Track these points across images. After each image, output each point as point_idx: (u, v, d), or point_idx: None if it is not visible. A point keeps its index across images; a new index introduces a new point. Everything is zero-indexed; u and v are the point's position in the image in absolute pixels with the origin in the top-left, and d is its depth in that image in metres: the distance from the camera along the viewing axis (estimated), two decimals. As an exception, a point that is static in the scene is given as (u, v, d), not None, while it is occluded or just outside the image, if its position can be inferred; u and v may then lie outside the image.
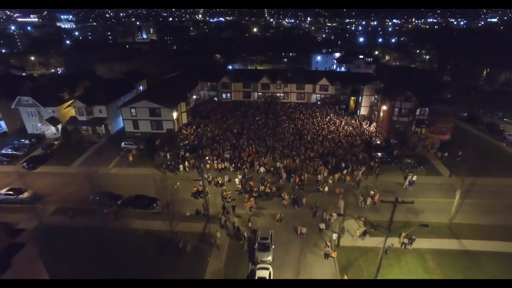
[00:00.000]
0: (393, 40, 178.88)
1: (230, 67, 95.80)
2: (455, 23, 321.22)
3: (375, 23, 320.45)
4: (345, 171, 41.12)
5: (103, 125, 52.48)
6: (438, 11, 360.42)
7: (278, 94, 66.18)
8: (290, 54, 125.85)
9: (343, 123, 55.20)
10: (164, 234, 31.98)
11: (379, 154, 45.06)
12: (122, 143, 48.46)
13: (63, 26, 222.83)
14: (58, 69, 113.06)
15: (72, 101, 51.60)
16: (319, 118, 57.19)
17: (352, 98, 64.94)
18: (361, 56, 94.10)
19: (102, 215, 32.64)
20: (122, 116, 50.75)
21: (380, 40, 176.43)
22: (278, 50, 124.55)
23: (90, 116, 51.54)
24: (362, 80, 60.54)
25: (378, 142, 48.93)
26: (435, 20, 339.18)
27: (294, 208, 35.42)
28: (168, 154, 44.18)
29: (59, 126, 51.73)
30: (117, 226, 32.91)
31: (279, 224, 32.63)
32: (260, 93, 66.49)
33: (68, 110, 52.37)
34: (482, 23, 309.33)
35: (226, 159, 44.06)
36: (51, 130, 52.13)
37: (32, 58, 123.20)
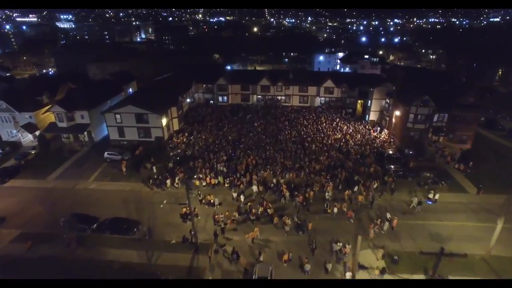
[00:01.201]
0: (396, 40, 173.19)
1: (228, 67, 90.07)
2: (457, 22, 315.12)
3: (376, 22, 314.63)
4: (356, 188, 35.43)
5: (85, 132, 46.84)
6: (440, 11, 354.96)
7: (279, 97, 60.41)
8: (291, 54, 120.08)
9: (350, 130, 49.41)
10: (144, 268, 26.50)
11: (392, 166, 39.38)
12: (105, 153, 42.88)
13: (62, 26, 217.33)
14: (50, 69, 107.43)
15: (50, 106, 45.92)
16: (324, 124, 51.40)
17: (359, 101, 59.14)
18: (366, 56, 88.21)
19: (64, 242, 27.21)
20: (106, 122, 45.10)
21: (383, 39, 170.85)
22: (279, 50, 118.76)
23: (71, 123, 45.90)
24: (371, 82, 54.74)
25: (391, 152, 43.14)
26: (437, 20, 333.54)
27: (298, 235, 29.75)
28: (154, 167, 38.42)
29: (37, 133, 46.16)
30: (88, 258, 27.28)
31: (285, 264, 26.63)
32: (260, 96, 60.73)
33: (47, 116, 46.76)
34: (484, 22, 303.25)
35: (220, 173, 38.49)
36: (28, 138, 46.56)
37: (25, 58, 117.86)
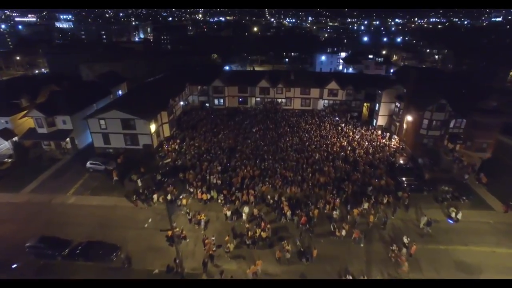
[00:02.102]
0: (398, 40, 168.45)
1: (227, 68, 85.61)
2: (458, 22, 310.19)
3: (377, 22, 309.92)
4: (366, 205, 30.96)
5: (68, 139, 42.48)
6: (441, 11, 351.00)
7: (279, 100, 55.89)
8: (292, 54, 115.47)
9: (357, 136, 44.89)
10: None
11: (404, 178, 34.90)
12: (88, 163, 38.51)
13: (61, 25, 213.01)
14: (44, 70, 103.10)
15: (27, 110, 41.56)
16: (328, 129, 46.88)
17: (365, 104, 54.67)
18: (370, 56, 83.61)
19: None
20: (89, 128, 40.69)
21: (385, 39, 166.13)
22: (279, 49, 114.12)
23: (52, 128, 41.52)
24: (379, 83, 50.26)
25: (402, 162, 38.66)
26: (438, 20, 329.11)
27: (301, 263, 25.30)
28: (139, 180, 33.95)
29: (15, 139, 41.85)
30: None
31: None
32: (259, 99, 56.20)
33: (26, 121, 42.41)
34: (486, 22, 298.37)
35: (213, 186, 34.12)
36: (4, 145, 42.18)
37: (18, 58, 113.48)
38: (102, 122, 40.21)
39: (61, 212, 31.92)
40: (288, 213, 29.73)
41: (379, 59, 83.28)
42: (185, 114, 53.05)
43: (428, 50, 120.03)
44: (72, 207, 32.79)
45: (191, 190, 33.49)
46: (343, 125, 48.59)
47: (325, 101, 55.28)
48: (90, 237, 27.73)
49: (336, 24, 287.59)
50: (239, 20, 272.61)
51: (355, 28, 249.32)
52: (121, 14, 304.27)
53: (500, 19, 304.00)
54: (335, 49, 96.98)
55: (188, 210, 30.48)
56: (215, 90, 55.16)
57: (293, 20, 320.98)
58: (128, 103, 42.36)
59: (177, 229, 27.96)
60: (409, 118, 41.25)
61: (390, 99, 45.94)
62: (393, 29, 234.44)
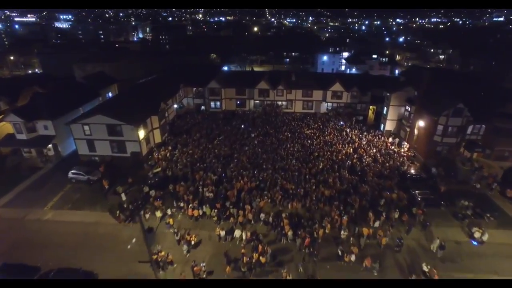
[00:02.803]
0: (400, 39, 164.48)
1: (226, 68, 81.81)
2: (460, 22, 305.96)
3: (378, 22, 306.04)
4: (376, 223, 27.21)
5: (50, 146, 38.80)
6: (442, 11, 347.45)
7: (279, 103, 52.05)
8: (293, 54, 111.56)
9: (364, 142, 41.09)
10: None
11: (417, 191, 31.12)
12: (70, 172, 34.80)
13: (60, 26, 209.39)
14: (37, 70, 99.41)
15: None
16: (332, 135, 43.06)
17: (371, 107, 50.85)
18: (374, 56, 79.71)
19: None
20: (73, 134, 37.00)
21: (387, 39, 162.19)
22: (280, 49, 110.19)
23: (33, 134, 37.84)
24: (387, 85, 46.54)
25: (413, 172, 34.90)
26: (439, 20, 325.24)
27: (305, 295, 21.54)
28: (123, 194, 30.17)
29: (-7, 147, 38.23)
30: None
31: None
32: (258, 101, 52.39)
33: (3, 126, 38.72)
34: (487, 22, 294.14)
35: (206, 199, 30.45)
36: (-20, 153, 38.54)
37: (12, 57, 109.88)
38: (86, 127, 36.53)
39: (35, 230, 28.23)
40: (290, 234, 26.00)
41: (384, 59, 79.40)
42: (179, 118, 49.27)
43: (432, 50, 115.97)
44: (48, 224, 29.10)
45: (181, 204, 29.76)
46: (348, 130, 44.77)
47: (329, 103, 51.46)
48: (64, 261, 24.09)
49: (337, 24, 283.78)
50: (239, 20, 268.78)
51: (356, 28, 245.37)
52: (121, 14, 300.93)
53: (502, 18, 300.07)
54: (337, 48, 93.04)
55: (176, 230, 26.76)
56: (211, 92, 51.35)
57: (294, 20, 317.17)
58: (115, 107, 38.70)
59: (163, 253, 24.35)
60: (421, 123, 37.46)
61: (399, 102, 42.14)
62: (394, 29, 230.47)
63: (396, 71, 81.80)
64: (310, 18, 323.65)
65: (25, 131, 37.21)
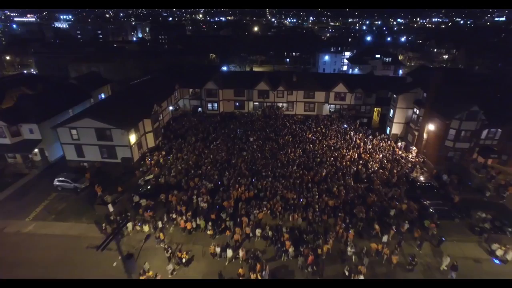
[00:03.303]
0: (402, 39, 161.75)
1: (224, 68, 79.29)
2: (461, 22, 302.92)
3: (379, 22, 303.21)
4: (384, 238, 24.67)
5: (37, 151, 36.39)
6: (443, 11, 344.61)
7: (280, 105, 49.50)
8: (294, 53, 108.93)
9: (369, 147, 38.55)
10: None
11: (429, 201, 28.64)
12: (55, 180, 32.38)
13: (60, 26, 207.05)
14: (33, 70, 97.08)
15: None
16: (335, 139, 40.49)
17: (376, 109, 48.32)
18: (377, 56, 77.10)
19: None
20: (59, 139, 34.55)
21: (388, 39, 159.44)
22: (280, 49, 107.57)
23: (17, 138, 35.39)
24: (392, 86, 44.04)
25: (422, 179, 32.34)
26: (440, 20, 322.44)
27: (308, 324, 19.07)
28: (110, 205, 27.64)
29: (-24, 152, 35.79)
30: None
31: None
32: (257, 103, 49.85)
33: (-14, 130, 36.21)
34: (489, 22, 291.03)
35: (201, 210, 28.06)
36: (-39, 158, 36.13)
37: (8, 57, 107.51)
38: (73, 131, 34.07)
39: (13, 244, 25.81)
40: (291, 250, 23.50)
41: (387, 59, 76.77)
42: (175, 120, 46.76)
43: (435, 50, 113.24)
44: (28, 238, 26.64)
45: (174, 216, 27.29)
46: (352, 133, 42.22)
47: (331, 105, 48.90)
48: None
49: (337, 24, 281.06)
50: (240, 20, 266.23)
51: (357, 28, 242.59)
52: (121, 14, 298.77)
53: (503, 18, 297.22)
54: (339, 48, 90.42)
55: (166, 246, 24.28)
56: (208, 93, 48.82)
57: (294, 20, 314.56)
58: (105, 109, 36.21)
59: (151, 273, 21.94)
60: (431, 127, 34.90)
61: (407, 105, 39.60)
62: (395, 28, 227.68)
63: (400, 71, 79.24)
64: (311, 18, 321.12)
65: (9, 135, 34.77)
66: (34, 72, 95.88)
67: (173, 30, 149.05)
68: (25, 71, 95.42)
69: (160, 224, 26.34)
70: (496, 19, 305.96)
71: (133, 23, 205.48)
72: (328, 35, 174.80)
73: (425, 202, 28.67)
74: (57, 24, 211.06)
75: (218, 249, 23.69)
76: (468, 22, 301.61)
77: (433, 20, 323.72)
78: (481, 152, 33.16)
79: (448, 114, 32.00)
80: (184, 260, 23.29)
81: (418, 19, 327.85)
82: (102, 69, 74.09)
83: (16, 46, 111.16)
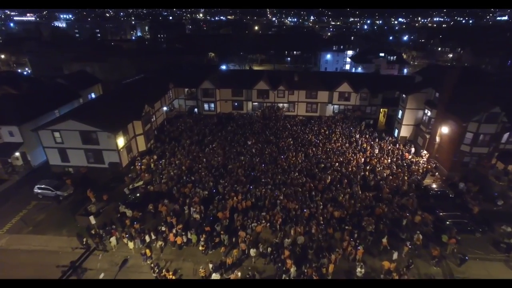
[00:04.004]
0: (405, 38, 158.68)
1: (223, 67, 76.36)
2: (463, 21, 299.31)
3: (380, 22, 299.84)
4: (395, 255, 21.78)
5: (18, 154, 33.62)
6: (444, 10, 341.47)
7: (280, 105, 46.61)
8: (294, 52, 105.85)
9: (376, 151, 35.63)
10: None
11: (444, 213, 25.78)
12: (36, 187, 29.58)
13: (60, 25, 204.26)
14: (27, 69, 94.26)
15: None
16: (340, 142, 37.58)
17: (382, 110, 45.44)
18: (381, 54, 74.12)
19: None
20: (41, 142, 31.73)
21: (390, 38, 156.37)
22: (281, 48, 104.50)
23: (-3, 142, 32.64)
24: (399, 85, 41.19)
25: (435, 187, 29.48)
26: (442, 19, 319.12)
27: None
28: (91, 217, 24.74)
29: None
30: None
31: None
32: (256, 103, 46.95)
33: (-37, 133, 33.45)
34: (491, 22, 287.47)
35: (193, 223, 25.30)
36: None
37: (3, 56, 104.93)
38: (56, 134, 31.23)
39: (-17, 261, 23.02)
40: (293, 270, 20.64)
41: (391, 58, 73.79)
42: (169, 122, 43.90)
43: (440, 49, 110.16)
44: (1, 253, 23.86)
45: (163, 229, 24.47)
46: (357, 136, 39.30)
47: (335, 106, 45.97)
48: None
49: (338, 23, 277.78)
50: (240, 19, 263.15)
51: (358, 27, 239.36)
52: (121, 13, 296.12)
53: (505, 18, 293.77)
54: (341, 47, 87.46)
55: (152, 264, 21.45)
56: (204, 93, 45.93)
57: (295, 19, 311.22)
58: (92, 110, 33.37)
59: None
60: (444, 129, 31.96)
61: (417, 105, 36.67)
62: (397, 28, 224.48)
63: (405, 70, 76.29)
64: (312, 18, 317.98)
65: (-13, 138, 32.02)
66: (29, 71, 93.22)
67: (173, 29, 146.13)
68: (19, 70, 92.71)
69: (148, 239, 23.52)
70: (498, 18, 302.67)
71: (132, 22, 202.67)
72: (329, 34, 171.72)
73: (440, 214, 25.80)
74: (57, 24, 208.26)
75: (210, 266, 20.89)
76: (470, 21, 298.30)
77: (435, 19, 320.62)
78: (501, 157, 30.22)
79: (465, 116, 29.08)
80: (170, 278, 20.49)
81: (419, 18, 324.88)
82: (97, 69, 71.44)
83: (12, 45, 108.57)
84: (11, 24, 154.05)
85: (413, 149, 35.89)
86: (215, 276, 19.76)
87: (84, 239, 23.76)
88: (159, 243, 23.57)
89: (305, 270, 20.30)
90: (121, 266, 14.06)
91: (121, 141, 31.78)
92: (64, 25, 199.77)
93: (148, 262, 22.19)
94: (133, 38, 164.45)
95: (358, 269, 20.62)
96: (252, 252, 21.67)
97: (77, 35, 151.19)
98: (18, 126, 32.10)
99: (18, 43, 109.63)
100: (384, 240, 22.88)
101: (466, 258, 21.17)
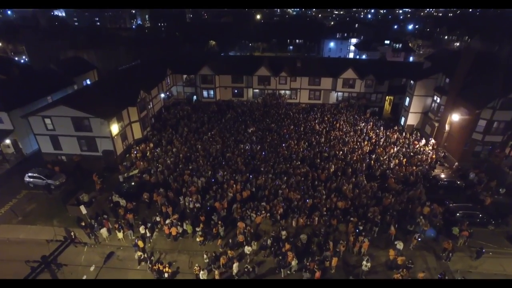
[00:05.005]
0: (410, 27, 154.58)
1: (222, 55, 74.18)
2: (470, 10, 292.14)
3: (384, 11, 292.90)
4: (399, 245, 20.43)
5: (8, 142, 32.29)
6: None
7: (282, 92, 44.79)
8: (297, 41, 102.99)
9: (382, 139, 33.98)
10: None
11: (454, 204, 24.38)
12: (26, 176, 28.32)
13: (60, 14, 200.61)
14: (24, 57, 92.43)
15: None
16: (344, 130, 35.92)
17: (388, 98, 43.60)
18: (387, 42, 71.57)
19: None
20: (32, 129, 30.29)
21: (395, 27, 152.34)
22: (283, 36, 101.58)
23: (-14, 129, 31.22)
24: (406, 72, 39.28)
25: (443, 177, 27.99)
26: (447, 8, 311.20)
27: None
28: (82, 207, 23.43)
29: None
30: None
31: None
32: (257, 90, 45.17)
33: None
34: (499, 11, 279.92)
35: (189, 213, 24.04)
36: None
37: (0, 44, 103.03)
38: (47, 121, 29.74)
39: (-31, 252, 21.89)
40: (294, 263, 19.36)
41: (397, 45, 71.25)
42: (167, 109, 42.28)
43: (446, 37, 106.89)
44: (-12, 244, 22.72)
45: (157, 219, 23.21)
46: (362, 124, 37.60)
47: (339, 93, 44.10)
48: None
49: (342, 12, 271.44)
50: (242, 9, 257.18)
51: (362, 16, 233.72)
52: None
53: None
54: (345, 34, 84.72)
55: (145, 255, 20.28)
56: (203, 79, 44.11)
57: (298, 9, 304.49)
58: (85, 96, 31.84)
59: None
60: (455, 117, 30.20)
61: (425, 92, 34.81)
62: (401, 17, 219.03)
63: (411, 59, 73.80)
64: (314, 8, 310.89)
65: (-25, 125, 30.61)
66: (26, 59, 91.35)
67: (173, 18, 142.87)
68: (16, 58, 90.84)
69: (142, 230, 22.24)
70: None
71: (133, 11, 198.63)
72: (332, 23, 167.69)
73: (450, 205, 24.34)
74: (56, 12, 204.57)
75: (205, 257, 19.66)
76: (477, 11, 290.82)
77: (440, 9, 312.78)
78: (515, 146, 28.57)
79: (478, 102, 27.28)
80: (166, 275, 19.28)
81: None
82: (94, 57, 69.58)
83: (9, 33, 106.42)
84: (8, 12, 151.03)
85: (423, 141, 33.98)
86: (203, 274, 18.36)
87: (72, 232, 22.40)
88: (154, 233, 22.43)
89: (307, 264, 18.97)
90: (106, 259, 12.74)
91: (115, 128, 30.28)
92: (63, 13, 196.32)
93: (139, 254, 20.95)
94: (134, 26, 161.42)
95: (364, 263, 19.27)
96: (247, 249, 20.26)
97: (76, 23, 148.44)
98: (7, 112, 30.56)
99: (15, 31, 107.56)
100: (392, 229, 21.60)
101: (483, 250, 19.80)
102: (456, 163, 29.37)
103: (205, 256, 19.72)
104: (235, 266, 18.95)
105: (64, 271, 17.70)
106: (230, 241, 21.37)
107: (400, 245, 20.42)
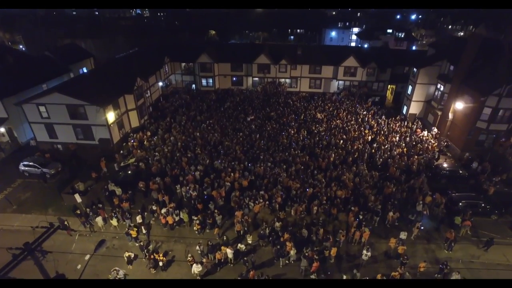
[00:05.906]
0: (413, 17, 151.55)
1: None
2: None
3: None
4: (403, 234, 19.95)
5: (3, 130, 31.61)
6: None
7: (282, 80, 43.77)
8: (298, 30, 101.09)
9: (384, 129, 33.18)
10: None
11: (457, 193, 23.80)
12: (21, 164, 27.75)
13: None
14: (21, 46, 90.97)
15: None
16: (345, 119, 35.12)
17: (390, 87, 42.58)
18: (389, 30, 69.95)
19: None
20: (27, 117, 29.58)
21: (398, 17, 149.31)
22: (284, 26, 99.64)
23: (-20, 117, 30.51)
24: (409, 60, 38.20)
25: (446, 166, 27.35)
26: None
27: None
28: (77, 195, 22.87)
29: None
30: None
31: None
32: (257, 79, 44.15)
33: None
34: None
35: (186, 202, 23.53)
36: None
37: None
38: (42, 108, 29.02)
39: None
40: (292, 253, 18.88)
41: (400, 34, 69.64)
42: (165, 98, 41.40)
43: (450, 27, 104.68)
44: (-18, 233, 22.28)
45: (154, 208, 22.68)
46: (364, 112, 36.75)
47: (340, 82, 43.08)
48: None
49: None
50: None
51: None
52: None
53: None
54: (347, 23, 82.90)
55: (141, 243, 19.85)
56: (202, 67, 43.08)
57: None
58: (80, 84, 31.02)
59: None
60: (458, 105, 29.32)
61: (428, 80, 33.83)
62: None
63: (414, 47, 72.23)
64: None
65: (-32, 112, 29.89)
66: (23, 48, 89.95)
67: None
68: (13, 47, 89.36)
69: (139, 219, 21.73)
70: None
71: None
72: (334, 12, 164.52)
73: (453, 194, 23.73)
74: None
75: (201, 248, 19.13)
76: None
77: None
78: (520, 135, 27.76)
79: (484, 89, 26.36)
80: (161, 264, 18.85)
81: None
82: (91, 45, 68.39)
83: (5, 22, 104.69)
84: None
85: (421, 127, 33.21)
86: (194, 268, 17.84)
87: (66, 221, 21.87)
88: (151, 221, 22.00)
89: (306, 253, 18.46)
90: (96, 248, 12.21)
91: (111, 116, 29.54)
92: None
93: (135, 243, 20.52)
94: (133, 15, 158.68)
95: (364, 252, 18.78)
96: (240, 247, 19.70)
97: (74, 12, 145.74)
98: (0, 99, 29.81)
99: (11, 20, 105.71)
100: (391, 214, 21.13)
101: (493, 240, 19.30)
102: (467, 154, 28.54)
103: (197, 247, 19.16)
104: (230, 252, 18.47)
105: (58, 260, 17.39)
106: (226, 238, 20.66)
107: (404, 235, 19.93)
